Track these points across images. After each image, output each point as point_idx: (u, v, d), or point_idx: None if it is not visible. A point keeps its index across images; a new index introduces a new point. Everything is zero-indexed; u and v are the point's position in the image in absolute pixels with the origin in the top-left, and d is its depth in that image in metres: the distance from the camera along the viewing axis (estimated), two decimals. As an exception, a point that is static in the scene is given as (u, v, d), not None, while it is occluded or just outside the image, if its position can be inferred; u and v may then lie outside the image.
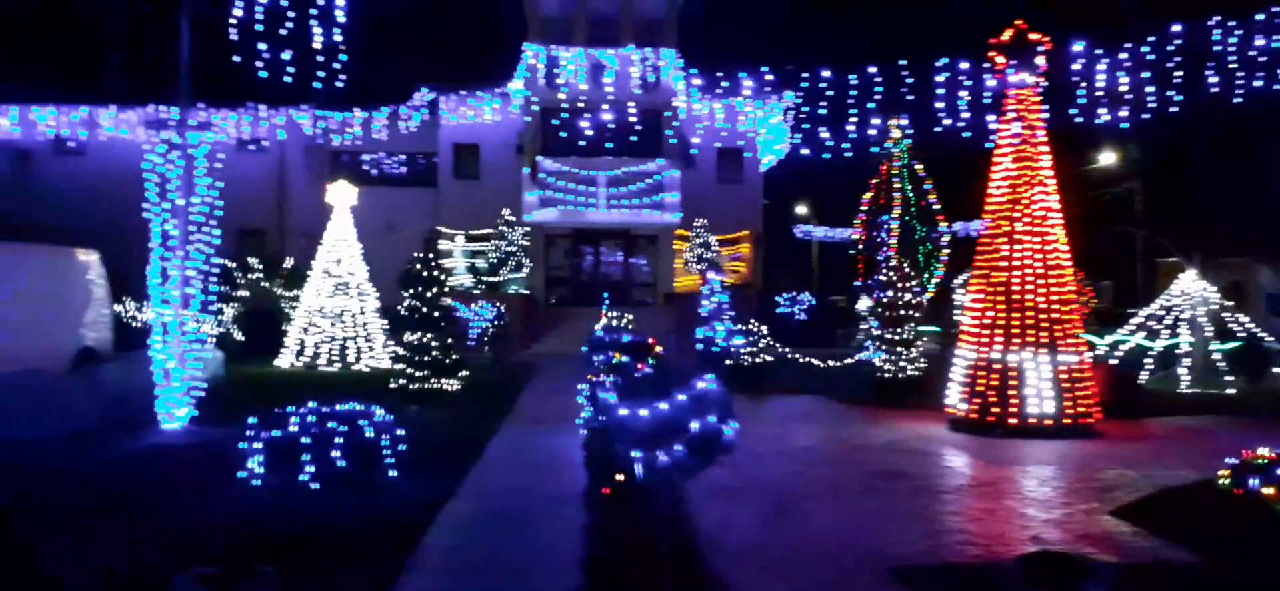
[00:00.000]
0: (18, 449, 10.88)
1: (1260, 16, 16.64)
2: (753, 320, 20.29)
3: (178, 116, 12.81)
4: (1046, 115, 13.74)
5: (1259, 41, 16.69)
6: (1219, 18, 17.07)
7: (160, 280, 12.54)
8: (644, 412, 6.39)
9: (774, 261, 40.02)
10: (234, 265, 26.09)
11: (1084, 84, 15.37)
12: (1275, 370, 19.47)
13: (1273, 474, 7.52)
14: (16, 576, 6.47)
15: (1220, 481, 8.08)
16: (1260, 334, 20.40)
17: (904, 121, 23.09)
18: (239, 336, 25.12)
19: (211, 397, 13.64)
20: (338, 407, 8.89)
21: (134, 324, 23.25)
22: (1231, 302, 21.43)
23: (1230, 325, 20.50)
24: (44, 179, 34.18)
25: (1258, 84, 17.29)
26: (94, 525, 7.75)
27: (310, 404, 8.91)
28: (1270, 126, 18.62)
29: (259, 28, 12.83)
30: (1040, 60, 13.44)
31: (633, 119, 30.89)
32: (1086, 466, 10.82)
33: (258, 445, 8.49)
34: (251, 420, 8.85)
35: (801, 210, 51.20)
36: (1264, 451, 7.97)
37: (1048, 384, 12.87)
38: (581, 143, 31.71)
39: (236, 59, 13.05)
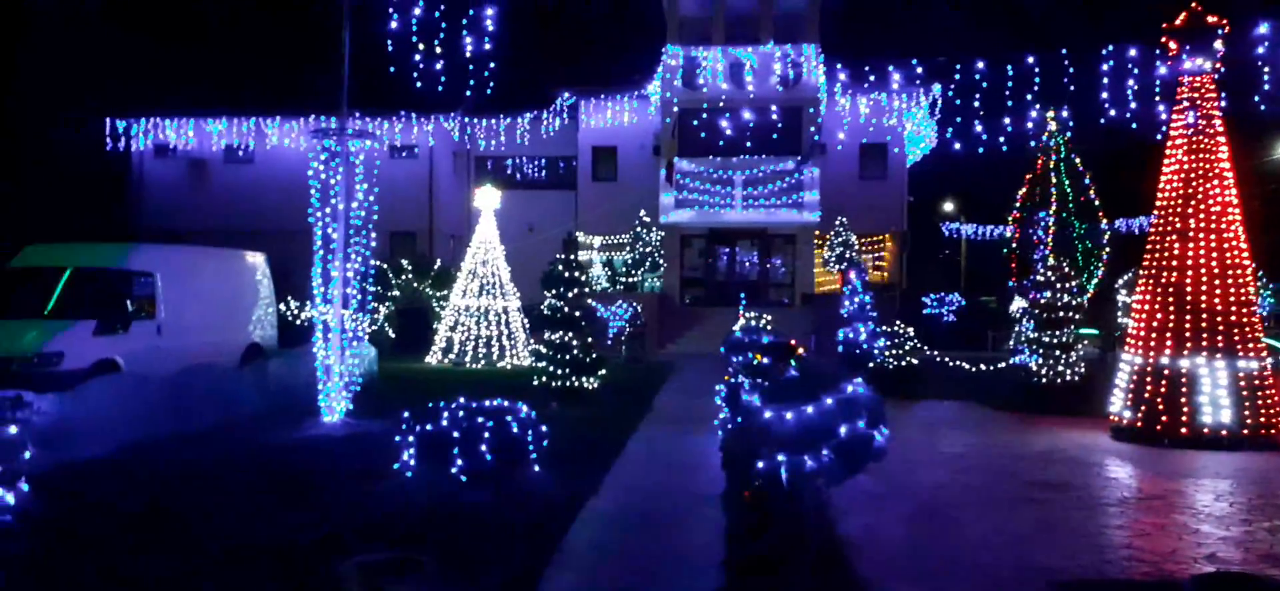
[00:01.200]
0: (192, 437, 11.74)
1: None
2: (897, 322, 19.71)
3: (336, 124, 13.49)
4: (1224, 104, 12.77)
5: None
6: None
7: (321, 281, 13.24)
8: (790, 415, 6.27)
9: (919, 261, 38.88)
10: (387, 266, 27.31)
11: (1267, 69, 14.20)
12: None
13: None
14: (188, 553, 6.95)
15: None
16: None
17: (1063, 113, 21.96)
18: (391, 334, 26.28)
19: (366, 392, 14.33)
20: (485, 404, 9.14)
21: (297, 322, 24.68)
22: None
23: None
24: (216, 186, 36.72)
25: None
26: (260, 509, 8.24)
27: (459, 400, 9.19)
28: None
29: (413, 39, 13.38)
30: (1218, 45, 12.50)
31: (773, 117, 30.57)
32: (1269, 482, 9.97)
33: (410, 439, 8.83)
34: (405, 415, 9.22)
35: (949, 207, 49.48)
36: None
37: (1225, 392, 11.94)
38: (720, 142, 31.61)
39: (392, 69, 13.66)
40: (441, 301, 25.48)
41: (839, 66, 28.19)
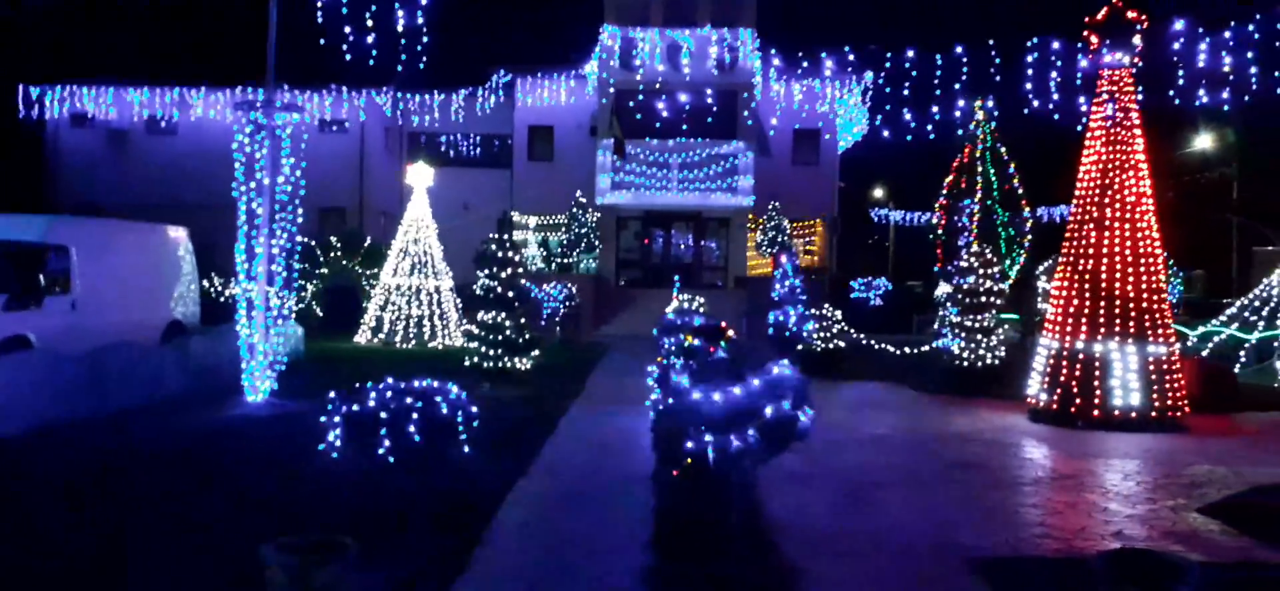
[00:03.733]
0: (110, 418, 11.39)
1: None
2: (826, 305, 20.03)
3: (261, 96, 13.15)
4: (1141, 98, 13.23)
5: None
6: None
7: (246, 257, 12.93)
8: (717, 396, 6.35)
9: (849, 246, 39.55)
10: (315, 243, 26.78)
11: (1182, 65, 14.75)
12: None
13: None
14: (106, 539, 6.76)
15: (1321, 482, 7.70)
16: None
17: (990, 103, 22.48)
18: (319, 313, 25.80)
19: (292, 372, 14.07)
20: (414, 384, 9.05)
21: (220, 299, 24.06)
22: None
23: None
24: (137, 158, 35.54)
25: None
26: (181, 492, 8.06)
27: (387, 380, 9.09)
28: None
29: (344, 10, 13.08)
30: (1136, 40, 12.94)
31: (708, 100, 30.70)
32: (1174, 461, 10.43)
33: (337, 420, 8.70)
34: (331, 395, 9.08)
35: (878, 194, 50.37)
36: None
37: (1135, 375, 12.44)
38: (656, 124, 31.64)
39: (322, 41, 13.35)
40: (372, 279, 25.09)
41: (768, 51, 28.40)
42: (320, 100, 34.45)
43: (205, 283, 23.07)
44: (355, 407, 8.67)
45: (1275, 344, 19.02)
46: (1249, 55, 14.43)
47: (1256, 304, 19.69)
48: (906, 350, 19.83)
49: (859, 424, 12.69)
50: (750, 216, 32.97)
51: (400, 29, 12.76)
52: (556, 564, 6.48)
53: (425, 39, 13.01)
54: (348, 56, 13.03)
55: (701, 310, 20.48)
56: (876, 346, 20.32)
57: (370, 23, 13.36)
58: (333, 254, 27.14)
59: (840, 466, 9.85)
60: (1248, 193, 30.46)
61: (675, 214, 33.84)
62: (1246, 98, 15.22)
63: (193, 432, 10.80)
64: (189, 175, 32.65)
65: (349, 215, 35.46)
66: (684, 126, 31.86)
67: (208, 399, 13.00)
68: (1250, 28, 13.94)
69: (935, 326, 19.76)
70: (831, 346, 18.89)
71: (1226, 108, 15.09)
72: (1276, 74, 14.29)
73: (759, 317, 22.92)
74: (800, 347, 18.51)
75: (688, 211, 33.51)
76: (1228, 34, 14.02)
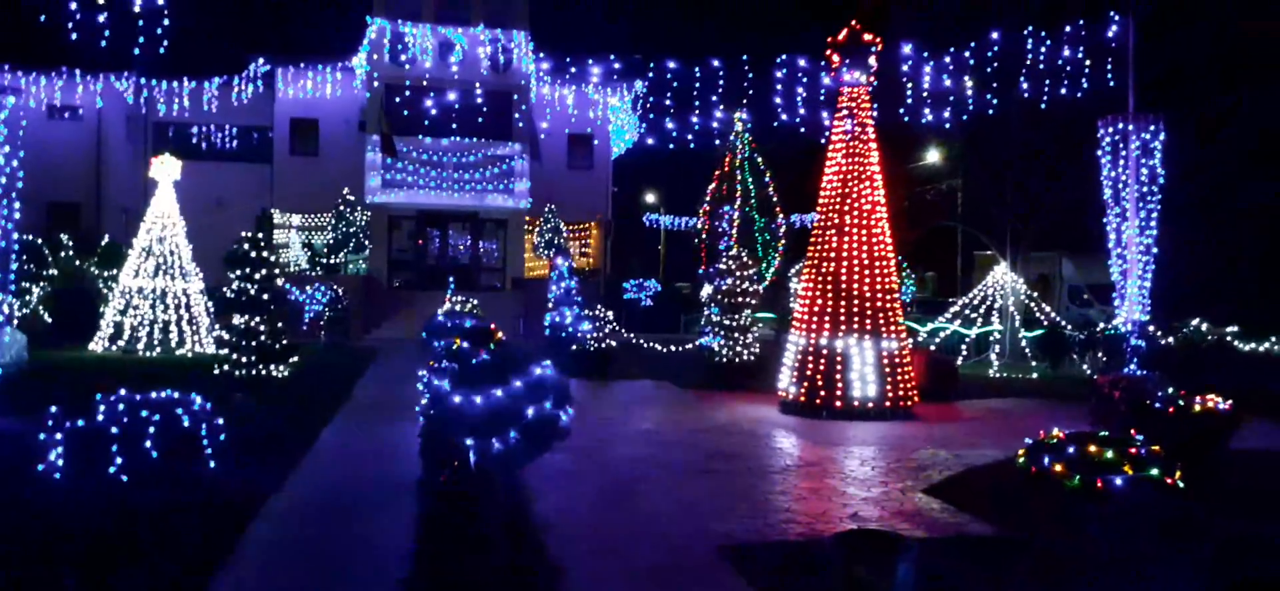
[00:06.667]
0: None
1: (1068, 29, 18.09)
2: (600, 306, 20.46)
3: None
4: (876, 113, 14.44)
5: (1065, 51, 18.16)
6: (1031, 29, 18.45)
7: (-50, 257, 11.47)
8: (478, 399, 6.34)
9: (622, 248, 40.48)
10: (41, 241, 24.12)
11: (911, 84, 16.28)
12: (1074, 356, 21.26)
13: (1063, 452, 8.18)
14: None
15: (1018, 459, 8.74)
16: (1061, 322, 22.19)
17: (745, 114, 23.77)
18: (47, 318, 23.26)
19: (12, 384, 12.61)
20: (151, 395, 8.36)
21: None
22: (1037, 293, 23.22)
23: (1036, 314, 22.22)
24: None
25: (1062, 91, 18.82)
26: None
27: (121, 391, 8.35)
28: (1072, 131, 20.33)
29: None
30: (872, 60, 14.08)
31: (482, 100, 30.42)
32: (904, 447, 11.46)
33: (58, 436, 7.89)
34: (52, 409, 8.22)
35: (650, 198, 51.90)
36: (1056, 431, 8.67)
37: (871, 369, 13.57)
38: (427, 122, 30.97)
39: (42, 18, 12.07)
40: (110, 282, 22.90)
41: (542, 55, 28.58)
42: (49, 84, 31.05)
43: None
44: (80, 422, 7.89)
45: (991, 338, 21.42)
46: (966, 79, 16.18)
47: (975, 302, 22.08)
48: (674, 348, 20.62)
49: (626, 420, 13.05)
50: (527, 218, 33.01)
51: (138, 8, 11.75)
52: (309, 580, 6.23)
53: (167, 21, 12.05)
54: (75, 36, 11.84)
55: (474, 312, 20.31)
56: (646, 345, 20.99)
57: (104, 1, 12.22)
58: (64, 253, 24.55)
59: (606, 462, 10.09)
60: (969, 201, 34.07)
61: (451, 214, 33.28)
62: (964, 117, 17.04)
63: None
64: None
65: (84, 211, 32.18)
66: (455, 126, 31.40)
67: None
68: (967, 54, 15.62)
69: (700, 325, 20.70)
70: (604, 346, 19.32)
71: (947, 125, 16.80)
72: (987, 96, 16.09)
73: (536, 319, 23.03)
74: (575, 348, 18.78)
75: (464, 212, 33.06)
76: (948, 59, 15.63)
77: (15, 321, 17.34)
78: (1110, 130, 17.28)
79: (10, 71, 27.60)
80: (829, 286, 13.89)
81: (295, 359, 15.37)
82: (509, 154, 31.98)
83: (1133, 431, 8.70)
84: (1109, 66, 18.35)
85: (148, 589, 5.83)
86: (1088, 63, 18.52)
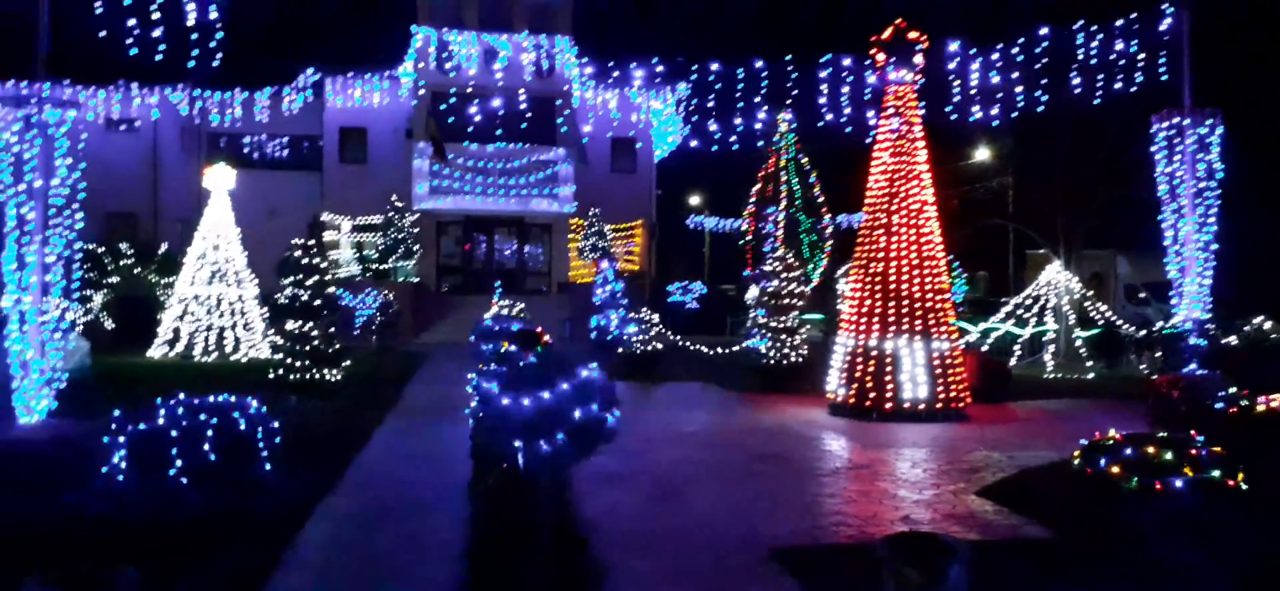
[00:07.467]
0: None
1: (1119, 23, 17.72)
2: (645, 309, 20.46)
3: (31, 91, 12.06)
4: (923, 111, 14.27)
5: (1118, 45, 17.78)
6: (1083, 23, 18.10)
7: (16, 266, 11.83)
8: (526, 402, 6.38)
9: (667, 251, 40.49)
10: (103, 250, 24.78)
11: (959, 81, 16.05)
12: (1131, 356, 20.79)
13: (1120, 453, 8.02)
14: None
15: (1074, 461, 8.57)
16: (1117, 321, 21.72)
17: (790, 115, 23.64)
18: (109, 325, 23.89)
19: (75, 390, 12.96)
20: (208, 399, 8.55)
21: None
22: (1092, 292, 22.75)
23: (1091, 313, 21.77)
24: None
25: (1117, 86, 18.44)
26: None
27: (179, 396, 8.54)
28: (1126, 126, 19.89)
29: (127, 1, 12.24)
30: (918, 57, 13.92)
31: (526, 106, 30.61)
32: (956, 449, 11.31)
33: (120, 440, 8.10)
34: (114, 413, 8.44)
35: (695, 201, 51.81)
36: (1112, 432, 8.50)
37: (922, 370, 13.40)
38: (472, 129, 31.26)
39: (102, 34, 12.42)
40: (168, 290, 23.45)
41: (584, 60, 28.70)
42: (107, 97, 31.89)
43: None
44: (141, 426, 8.09)
45: (1044, 338, 21.03)
46: (1016, 75, 15.92)
47: (1028, 302, 21.70)
48: (719, 351, 20.55)
49: (673, 422, 13.04)
50: (572, 222, 33.15)
51: (191, 22, 12.04)
52: (360, 581, 6.32)
53: (220, 34, 12.32)
54: (133, 50, 12.16)
55: (521, 316, 20.43)
56: (692, 348, 20.94)
57: (159, 15, 12.56)
58: (123, 262, 25.19)
59: (653, 464, 10.09)
60: (1020, 199, 33.51)
61: (496, 219, 33.56)
62: (1013, 114, 16.76)
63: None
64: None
65: (142, 221, 32.99)
66: (499, 131, 31.61)
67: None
68: (1015, 50, 15.37)
69: (746, 327, 20.62)
70: (650, 349, 19.32)
71: (995, 123, 16.53)
72: (1038, 93, 15.81)
73: (582, 322, 23.11)
74: (620, 351, 18.82)
75: (509, 217, 33.31)
76: (996, 56, 15.40)
77: (78, 328, 17.84)
78: (1165, 125, 16.88)
79: (71, 86, 28.40)
80: (877, 287, 13.76)
81: (347, 363, 15.59)
82: (553, 159, 32.13)
83: (1193, 432, 8.49)
84: (1162, 60, 17.93)
85: (209, 589, 5.95)
86: (1141, 56, 18.13)
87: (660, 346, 19.75)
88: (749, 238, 25.37)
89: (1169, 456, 7.70)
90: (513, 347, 6.87)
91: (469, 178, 31.77)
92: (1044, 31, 17.07)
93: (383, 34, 35.06)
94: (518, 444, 6.40)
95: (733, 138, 17.42)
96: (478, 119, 30.83)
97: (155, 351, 21.18)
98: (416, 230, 31.69)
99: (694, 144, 17.87)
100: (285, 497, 8.13)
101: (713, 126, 17.39)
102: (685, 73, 17.28)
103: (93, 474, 8.40)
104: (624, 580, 6.34)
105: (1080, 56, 18.06)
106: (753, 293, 23.14)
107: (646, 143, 36.03)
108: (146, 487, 7.91)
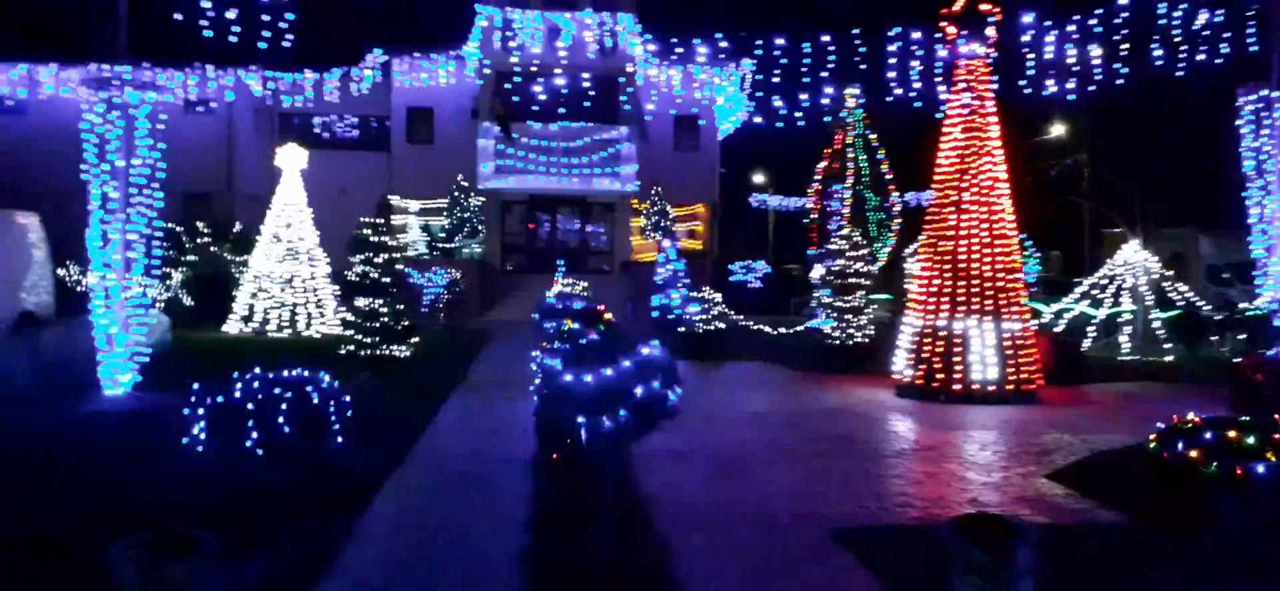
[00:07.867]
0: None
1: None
2: (707, 288, 20.41)
3: (114, 73, 12.49)
4: (995, 86, 13.92)
5: (1202, 17, 17.09)
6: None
7: (100, 243, 12.30)
8: (588, 379, 6.44)
9: (730, 230, 40.23)
10: (181, 229, 25.57)
11: (1033, 55, 15.59)
12: (1212, 338, 20.05)
13: (1199, 437, 7.75)
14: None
15: (1150, 445, 8.32)
16: (1198, 302, 20.97)
17: (857, 90, 23.25)
18: (187, 301, 24.70)
19: (156, 363, 13.44)
20: (283, 374, 8.79)
21: (77, 288, 22.70)
22: (1171, 272, 21.99)
23: (1170, 294, 21.05)
24: (-19, 138, 33.10)
25: (1200, 58, 17.73)
26: (31, 492, 7.63)
27: (255, 370, 8.81)
28: (1209, 100, 19.10)
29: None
30: (990, 31, 13.57)
31: (589, 84, 30.64)
32: (1026, 431, 11.08)
33: (200, 412, 8.39)
34: (194, 386, 8.74)
35: (758, 179, 51.39)
36: (1191, 416, 8.22)
37: (992, 351, 13.14)
38: (535, 108, 31.41)
39: (178, 17, 12.78)
40: (242, 267, 24.14)
41: (647, 37, 28.57)
42: (185, 79, 32.80)
43: (61, 271, 21.76)
44: (220, 399, 8.37)
45: (1120, 319, 20.41)
46: (1093, 48, 15.39)
47: (1103, 282, 21.08)
48: (783, 330, 20.41)
49: (735, 401, 13.01)
50: (634, 201, 33.16)
51: (264, 3, 12.32)
52: (430, 552, 6.45)
53: (291, 16, 12.59)
54: (209, 33, 12.50)
55: (584, 294, 20.57)
56: (755, 327, 20.83)
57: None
58: (200, 240, 25.98)
59: (715, 443, 10.09)
60: (1096, 177, 32.51)
61: (560, 198, 33.74)
62: (1091, 88, 16.22)
63: (44, 429, 10.21)
64: (40, 158, 30.56)
65: (217, 200, 33.93)
66: (563, 111, 31.71)
67: (63, 393, 12.29)
68: (1093, 22, 14.86)
69: (810, 307, 20.43)
70: (712, 328, 19.27)
71: (1071, 97, 16.03)
72: (1116, 66, 15.28)
73: (644, 301, 23.17)
74: (682, 330, 18.82)
75: (572, 196, 33.45)
76: (1072, 28, 14.91)
77: (160, 304, 18.49)
78: (1253, 98, 16.17)
79: (150, 68, 29.29)
80: (947, 266, 13.50)
81: (416, 340, 15.87)
82: (616, 137, 32.15)
83: (1277, 417, 8.17)
84: (1251, 31, 17.17)
85: (286, 556, 6.14)
86: (1226, 26, 17.39)
87: (722, 326, 19.69)
88: (814, 215, 25.07)
89: (1251, 441, 7.41)
90: (576, 325, 6.93)
91: (532, 157, 31.98)
92: (1124, 1, 16.47)
93: (448, 14, 35.31)
94: (581, 420, 6.47)
95: (798, 114, 17.18)
96: (541, 98, 30.95)
97: (231, 327, 21.84)
98: (481, 210, 32.04)
99: (758, 121, 17.69)
100: (357, 470, 8.33)
101: (778, 103, 17.17)
102: (749, 48, 17.11)
103: (174, 444, 8.73)
104: (684, 555, 6.37)
105: (1162, 27, 17.40)
106: (817, 272, 22.92)
107: (710, 120, 35.79)
108: (225, 457, 8.20)
